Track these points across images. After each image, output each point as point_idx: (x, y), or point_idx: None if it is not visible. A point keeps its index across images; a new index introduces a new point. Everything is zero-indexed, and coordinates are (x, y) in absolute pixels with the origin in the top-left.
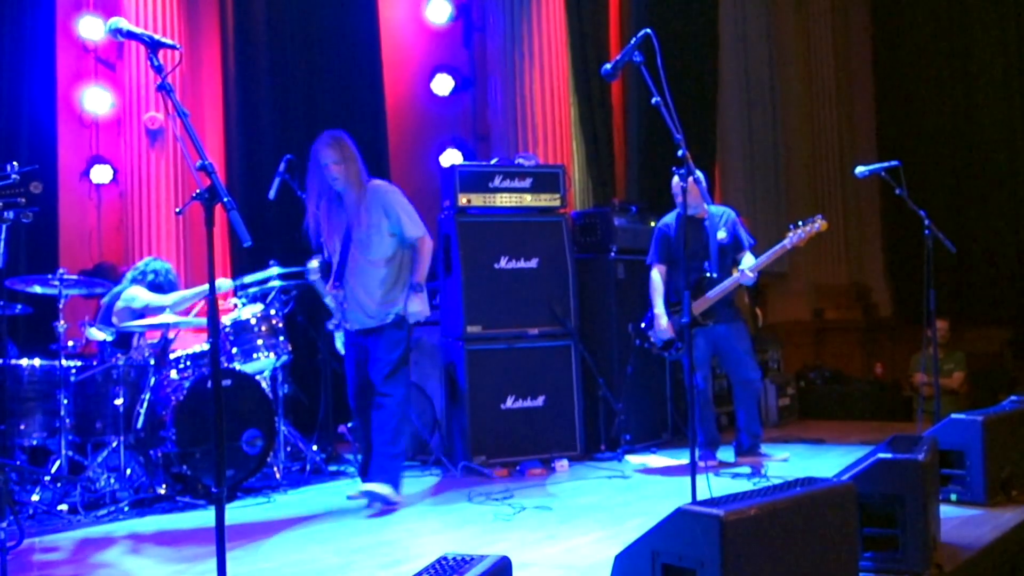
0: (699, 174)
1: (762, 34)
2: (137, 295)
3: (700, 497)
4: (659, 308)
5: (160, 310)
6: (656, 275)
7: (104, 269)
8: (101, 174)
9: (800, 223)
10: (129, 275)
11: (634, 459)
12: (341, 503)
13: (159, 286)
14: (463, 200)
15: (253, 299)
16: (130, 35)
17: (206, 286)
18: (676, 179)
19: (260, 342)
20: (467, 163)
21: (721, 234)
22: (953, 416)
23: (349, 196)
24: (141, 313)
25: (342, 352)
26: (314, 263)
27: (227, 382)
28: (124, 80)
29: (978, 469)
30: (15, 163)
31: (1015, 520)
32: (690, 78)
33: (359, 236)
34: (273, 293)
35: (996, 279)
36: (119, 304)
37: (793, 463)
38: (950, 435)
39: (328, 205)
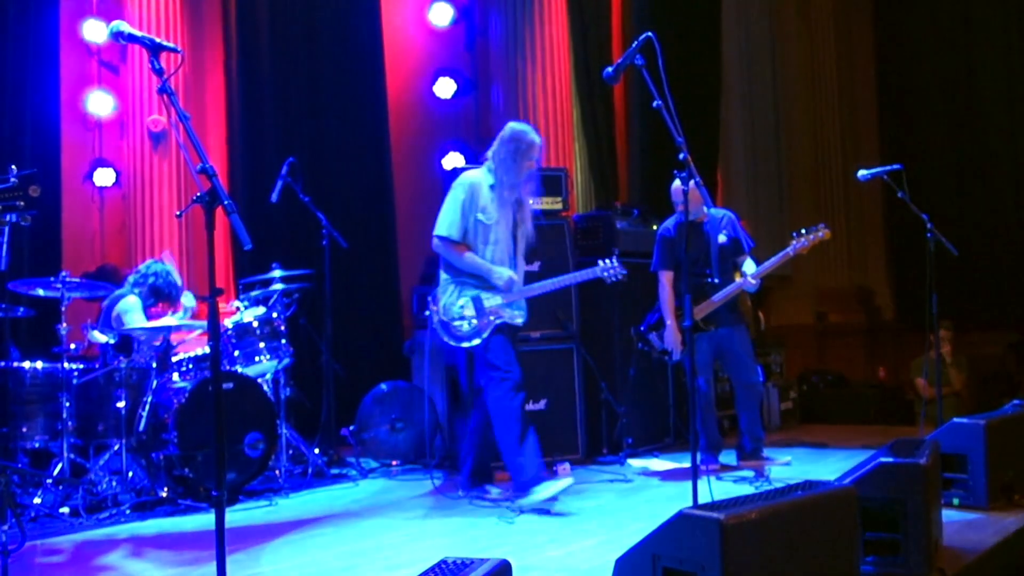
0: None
1: (764, 37)
2: (129, 309)
3: (702, 501)
4: (671, 319)
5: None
6: (666, 283)
7: (107, 272)
8: (104, 177)
9: (804, 231)
10: (131, 279)
11: (636, 463)
12: (343, 506)
13: (158, 289)
14: None
15: (255, 302)
16: (131, 38)
17: (186, 319)
18: (676, 183)
19: (262, 345)
20: (469, 166)
21: (721, 237)
22: (955, 420)
23: (521, 197)
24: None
25: (472, 344)
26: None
27: (229, 385)
28: (127, 83)
29: (980, 473)
30: (14, 167)
31: (1017, 524)
32: (692, 81)
33: (523, 237)
34: (275, 296)
35: (999, 282)
36: (115, 311)
37: (795, 467)
38: (952, 439)
39: (489, 190)
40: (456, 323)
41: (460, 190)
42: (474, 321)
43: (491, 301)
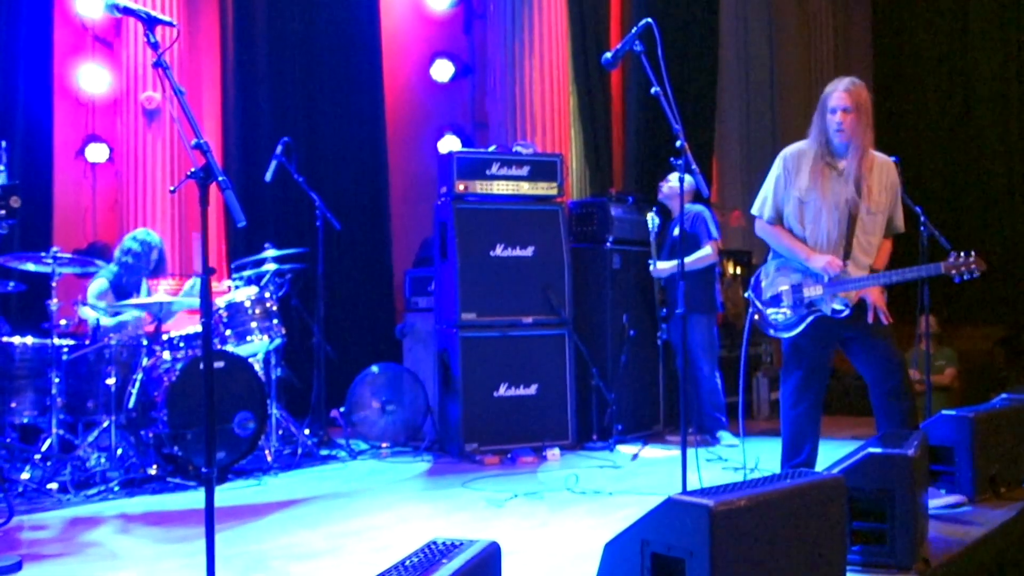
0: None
1: (763, 27)
2: (92, 293)
3: (691, 487)
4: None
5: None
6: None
7: (98, 248)
8: (97, 153)
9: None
10: (116, 253)
11: (625, 449)
12: (332, 487)
13: (126, 266)
14: (460, 187)
15: (248, 282)
16: (127, 11)
17: (155, 298)
18: (672, 182)
19: (254, 325)
20: (465, 150)
21: (676, 231)
22: (943, 412)
23: (851, 160)
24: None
25: (788, 335)
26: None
27: (220, 364)
28: (121, 59)
29: (967, 465)
30: None
31: (1003, 517)
32: (690, 69)
33: (867, 214)
34: (268, 276)
35: (989, 278)
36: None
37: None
38: (940, 431)
39: (810, 162)
40: (771, 311)
41: (777, 164)
42: (788, 312)
43: (811, 290)
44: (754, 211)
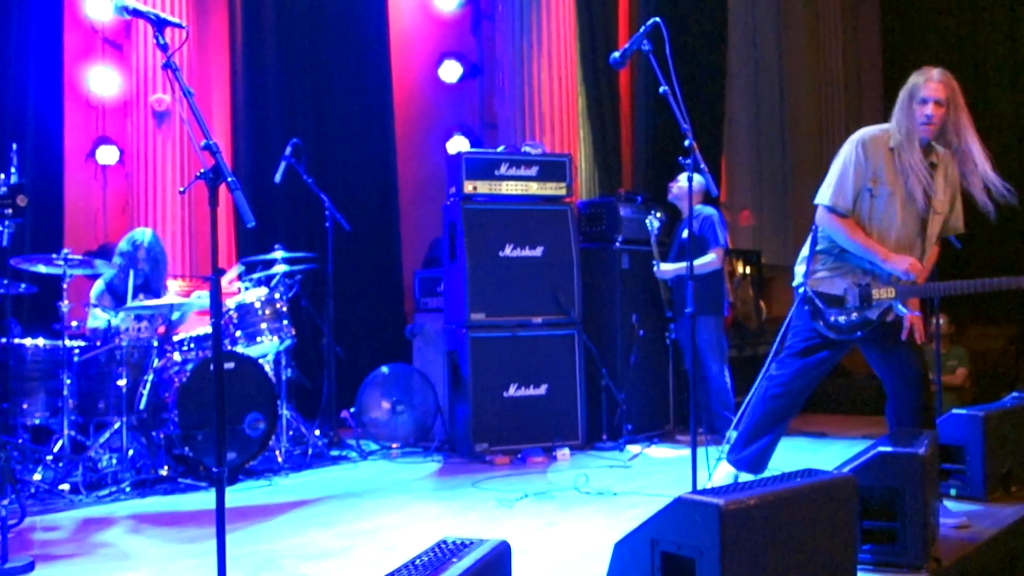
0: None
1: (771, 26)
2: (95, 292)
3: (701, 486)
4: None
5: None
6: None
7: (108, 250)
8: (107, 155)
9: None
10: (116, 256)
11: (635, 449)
12: (342, 487)
13: (121, 268)
14: (469, 187)
15: (258, 283)
16: (136, 13)
17: (159, 301)
18: (682, 183)
19: (264, 326)
20: (474, 150)
21: (684, 233)
22: (954, 411)
23: (935, 156)
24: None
25: (846, 338)
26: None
27: (230, 365)
28: (131, 61)
29: (978, 464)
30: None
31: (1014, 516)
32: (698, 69)
33: (934, 214)
34: (278, 277)
35: (1000, 276)
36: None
37: (795, 455)
38: (951, 430)
39: (888, 151)
40: (831, 309)
41: (850, 149)
42: (854, 314)
43: (883, 292)
44: (823, 201)
